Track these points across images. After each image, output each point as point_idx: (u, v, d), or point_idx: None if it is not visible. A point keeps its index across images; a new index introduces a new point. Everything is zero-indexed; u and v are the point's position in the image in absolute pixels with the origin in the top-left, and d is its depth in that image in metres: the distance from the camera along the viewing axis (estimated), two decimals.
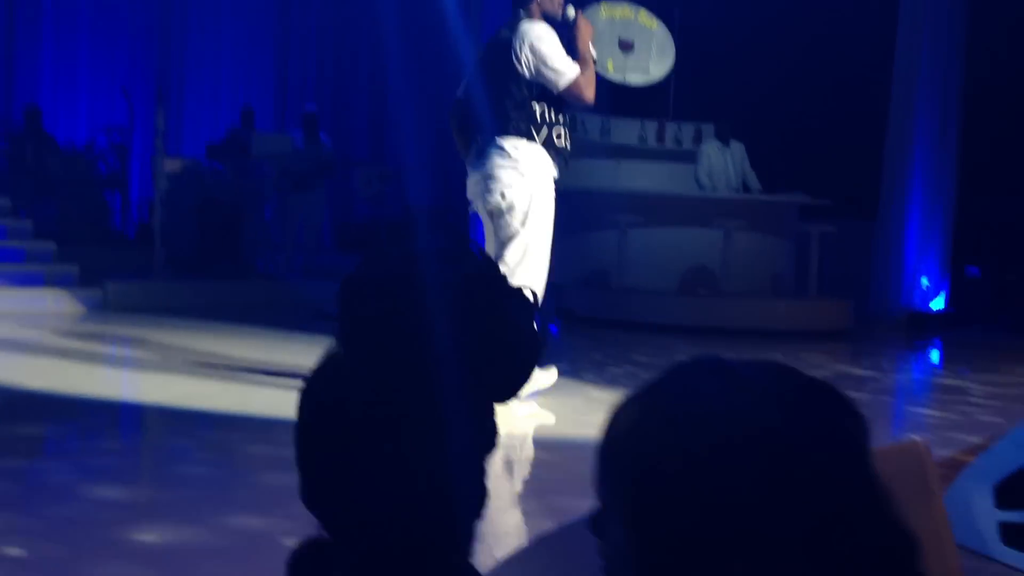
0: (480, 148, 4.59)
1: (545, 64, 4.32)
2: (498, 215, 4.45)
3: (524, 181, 4.40)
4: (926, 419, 5.62)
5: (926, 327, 9.75)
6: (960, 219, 10.12)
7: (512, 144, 4.41)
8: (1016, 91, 9.61)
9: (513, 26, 4.47)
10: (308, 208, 10.62)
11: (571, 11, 4.46)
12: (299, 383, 1.00)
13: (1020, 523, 2.07)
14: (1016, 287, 10.01)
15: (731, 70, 11.18)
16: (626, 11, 10.66)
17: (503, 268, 4.62)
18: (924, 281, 10.12)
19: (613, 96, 10.49)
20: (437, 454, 0.92)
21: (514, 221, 4.39)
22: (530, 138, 4.46)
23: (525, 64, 4.35)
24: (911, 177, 10.06)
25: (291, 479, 0.98)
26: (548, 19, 4.42)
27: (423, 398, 0.92)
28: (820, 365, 7.27)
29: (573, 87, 4.34)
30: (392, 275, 0.96)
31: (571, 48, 4.54)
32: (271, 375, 5.54)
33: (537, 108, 4.40)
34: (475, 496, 0.97)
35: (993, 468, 2.33)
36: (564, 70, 4.31)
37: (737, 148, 9.68)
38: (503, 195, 4.39)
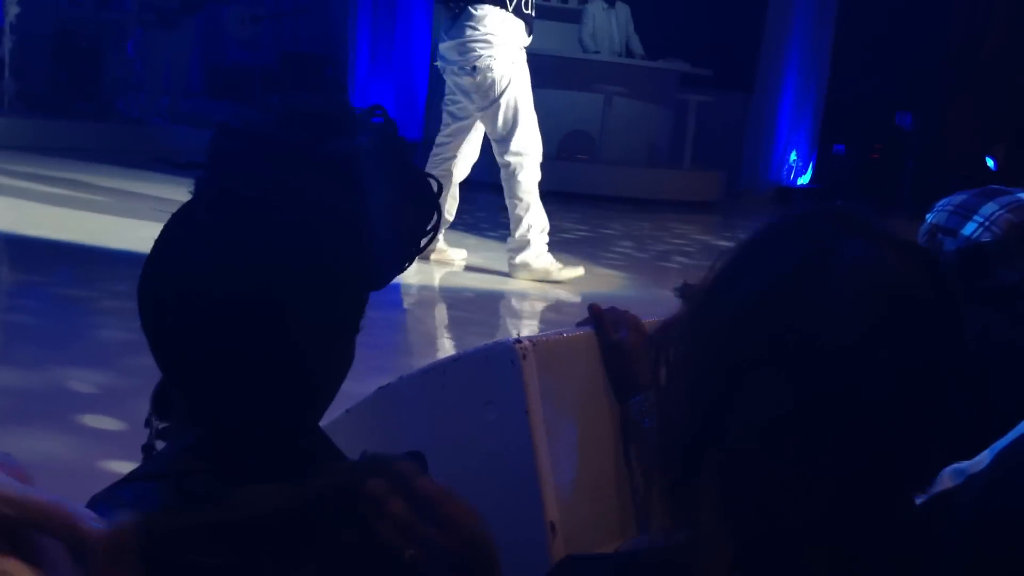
0: (454, 16, 4.62)
1: None
2: (473, 89, 4.55)
3: (494, 50, 4.46)
4: None
5: (792, 201, 10.06)
6: (830, 98, 10.34)
7: (482, 13, 4.47)
8: None
9: None
10: (174, 46, 10.01)
11: None
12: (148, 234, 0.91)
13: None
14: (878, 165, 10.38)
15: None
16: None
17: (497, 135, 4.72)
18: (793, 156, 10.38)
19: None
20: (296, 333, 0.86)
21: (493, 91, 4.50)
22: (502, 6, 4.48)
23: None
24: (788, 53, 10.17)
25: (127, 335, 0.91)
26: None
27: (286, 271, 0.85)
28: (689, 235, 7.44)
29: None
30: (272, 134, 0.87)
31: None
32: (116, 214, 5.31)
33: None
34: (333, 376, 0.91)
35: None
36: None
37: (623, 10, 9.53)
38: (475, 68, 4.48)
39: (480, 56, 4.52)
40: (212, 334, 0.85)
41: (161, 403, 0.92)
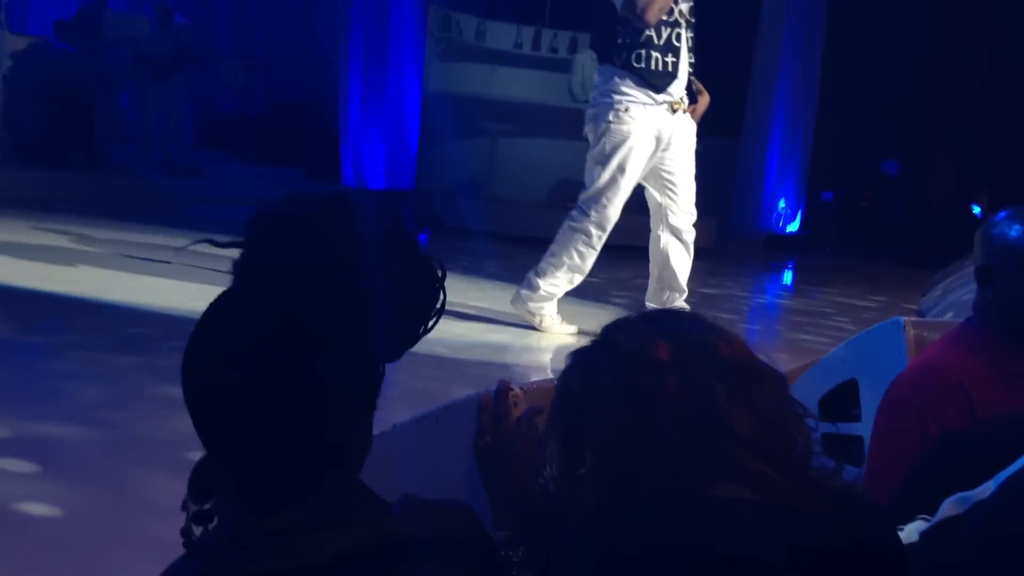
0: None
1: None
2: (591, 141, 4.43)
3: (603, 108, 4.28)
4: (772, 337, 5.85)
5: (782, 248, 10.12)
6: (817, 145, 10.46)
7: (600, 74, 4.34)
8: (874, 25, 9.89)
9: None
10: (168, 98, 10.09)
11: None
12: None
13: (833, 433, 2.18)
14: (866, 212, 10.47)
15: None
16: None
17: (590, 190, 4.44)
18: (782, 204, 10.46)
19: None
20: (323, 404, 0.93)
21: (596, 147, 4.37)
22: (610, 62, 4.23)
23: None
24: (774, 102, 10.30)
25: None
26: None
27: (320, 345, 0.92)
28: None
29: (628, 4, 4.10)
30: (308, 218, 0.96)
31: None
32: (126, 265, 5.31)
33: (619, 29, 4.24)
34: (355, 447, 0.99)
35: (818, 382, 2.43)
36: None
37: None
38: (586, 122, 4.41)
39: (591, 116, 4.46)
40: (254, 410, 0.91)
41: (200, 486, 1.00)
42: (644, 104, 4.12)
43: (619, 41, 4.14)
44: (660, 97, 4.14)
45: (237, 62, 11.84)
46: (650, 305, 4.82)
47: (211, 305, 0.96)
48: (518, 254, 7.83)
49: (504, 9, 10.23)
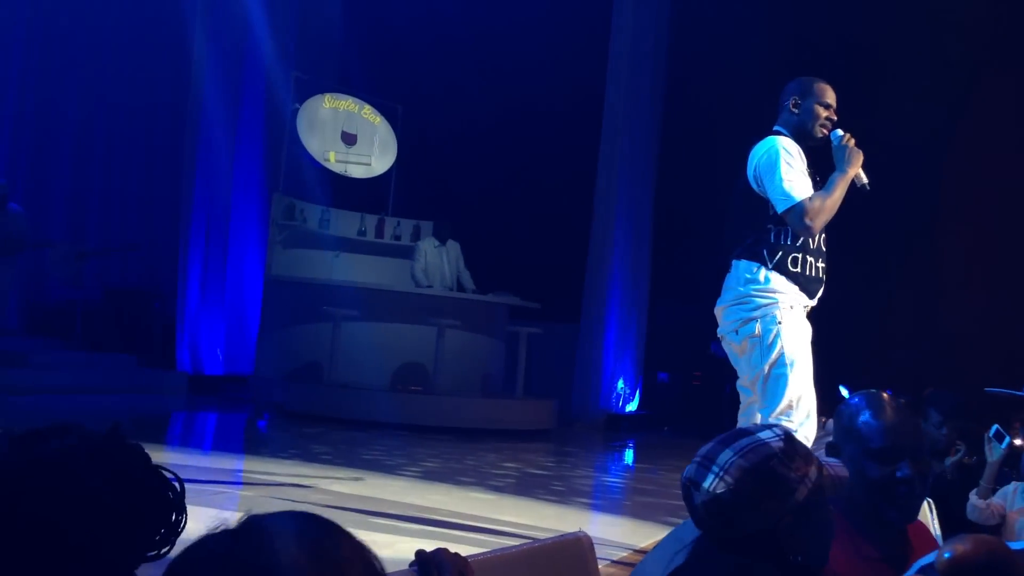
0: (726, 273, 3.83)
1: (771, 183, 3.66)
2: (742, 354, 3.76)
3: (755, 314, 3.71)
4: (616, 514, 5.89)
5: (622, 428, 10.35)
6: (651, 328, 10.92)
7: (744, 271, 3.75)
8: (699, 216, 10.59)
9: (763, 138, 3.83)
10: None
11: (840, 133, 3.77)
12: None
13: None
14: (699, 391, 10.88)
15: (451, 171, 11.56)
16: (350, 104, 10.79)
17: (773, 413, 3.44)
18: (620, 384, 10.77)
19: (334, 188, 10.52)
20: None
21: (755, 357, 3.68)
22: (763, 263, 3.67)
23: (756, 181, 3.72)
24: (610, 287, 10.77)
25: None
26: (803, 137, 3.78)
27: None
28: (528, 462, 7.47)
29: (792, 212, 3.62)
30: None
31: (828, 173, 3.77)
32: None
33: (772, 229, 3.72)
34: None
35: (658, 564, 2.45)
36: (788, 192, 3.62)
37: (453, 247, 9.94)
38: (736, 332, 3.73)
39: (742, 320, 3.77)
40: None
41: None
42: (801, 307, 3.70)
43: (774, 241, 3.71)
44: (810, 303, 3.75)
45: (68, 248, 11.51)
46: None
47: None
48: (357, 439, 7.70)
49: (348, 198, 10.45)
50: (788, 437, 1.63)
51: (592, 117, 10.80)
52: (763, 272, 3.68)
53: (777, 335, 3.61)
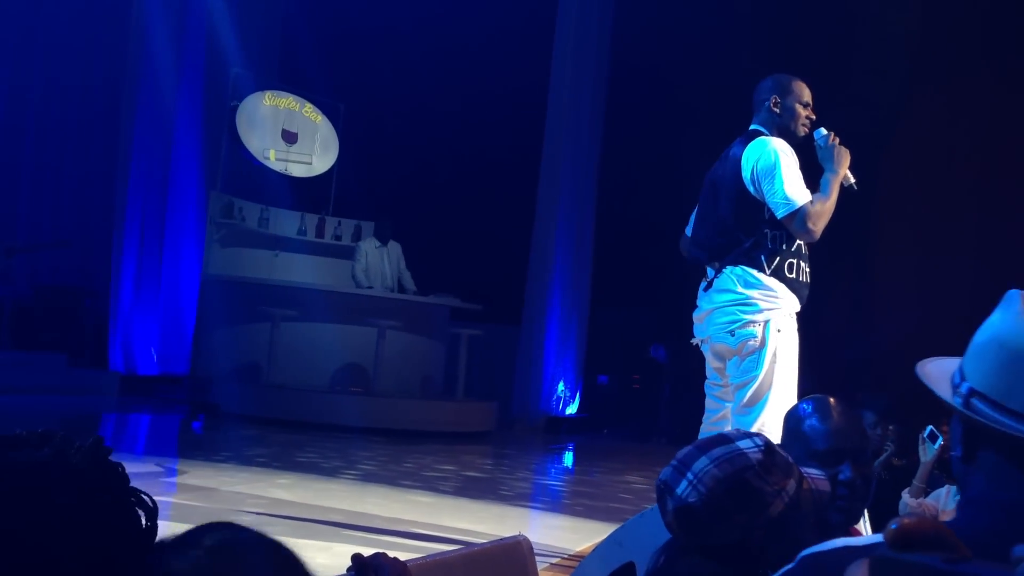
0: (709, 279, 3.70)
1: (771, 188, 3.58)
2: (728, 356, 3.67)
3: (758, 317, 3.62)
4: (555, 516, 5.90)
5: (562, 431, 10.38)
6: (592, 331, 10.96)
7: (741, 275, 3.65)
8: (641, 222, 10.67)
9: (745, 141, 3.71)
10: None
11: (824, 132, 3.72)
12: None
13: None
14: (638, 394, 10.96)
15: (393, 171, 11.49)
16: (291, 102, 10.67)
17: (750, 418, 3.35)
18: (561, 387, 10.79)
19: (274, 187, 10.38)
20: None
21: (749, 362, 3.61)
22: (761, 268, 3.58)
23: (753, 184, 3.61)
24: (551, 289, 10.79)
25: None
26: (786, 136, 3.71)
27: None
28: (468, 464, 7.45)
29: (795, 217, 3.54)
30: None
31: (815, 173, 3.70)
32: None
33: (769, 234, 3.64)
34: None
35: (597, 567, 2.45)
36: (790, 197, 3.55)
37: (394, 248, 9.88)
38: (732, 333, 3.63)
39: (735, 324, 3.68)
40: None
41: None
42: (795, 313, 3.66)
43: (771, 246, 3.64)
44: (799, 308, 3.70)
45: None
46: None
47: None
48: (294, 441, 7.60)
49: (288, 197, 10.32)
50: (768, 448, 1.60)
51: (535, 120, 10.82)
52: (764, 277, 3.62)
53: (777, 344, 3.56)
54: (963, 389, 1.20)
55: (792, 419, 2.10)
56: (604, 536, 2.61)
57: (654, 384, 10.58)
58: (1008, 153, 9.87)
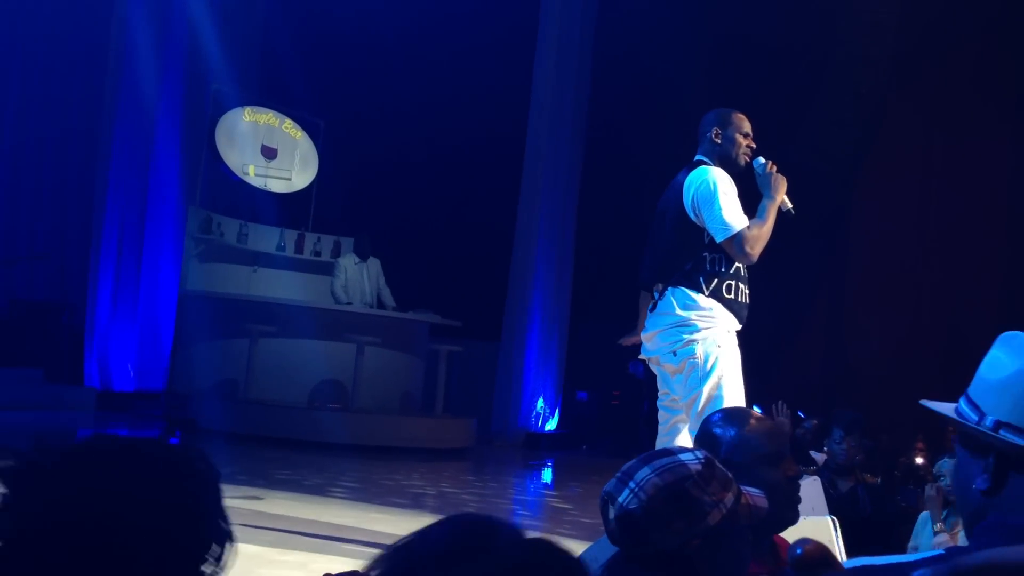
0: (655, 301, 3.89)
1: (710, 213, 3.75)
2: (673, 375, 3.83)
3: (696, 336, 3.78)
4: (533, 532, 5.89)
5: (541, 446, 10.37)
6: (572, 347, 10.98)
7: (681, 297, 3.82)
8: (621, 239, 10.73)
9: (688, 170, 3.89)
10: None
11: (762, 161, 3.92)
12: None
13: None
14: (617, 410, 10.97)
15: (373, 187, 11.49)
16: (271, 118, 10.67)
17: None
18: (540, 403, 10.80)
19: (254, 202, 10.36)
20: None
21: (693, 379, 3.76)
22: (699, 289, 3.77)
23: (693, 210, 3.79)
24: (531, 305, 10.81)
25: None
26: (728, 165, 3.89)
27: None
28: (447, 480, 7.43)
29: (733, 241, 3.73)
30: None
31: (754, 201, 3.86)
32: None
33: (708, 257, 3.82)
34: None
35: None
36: (728, 223, 3.73)
37: (374, 264, 9.87)
38: (674, 353, 3.81)
39: (678, 343, 3.83)
40: None
41: None
42: (734, 332, 3.83)
43: (710, 268, 3.82)
44: (739, 327, 3.87)
45: None
46: None
47: None
48: (272, 457, 7.57)
49: (268, 213, 10.30)
50: (709, 462, 1.66)
51: (516, 136, 10.87)
52: (701, 298, 3.78)
53: (717, 359, 3.72)
54: (987, 423, 1.26)
55: (726, 429, 2.17)
56: (580, 552, 2.62)
57: (633, 400, 10.60)
58: (983, 169, 10.00)
